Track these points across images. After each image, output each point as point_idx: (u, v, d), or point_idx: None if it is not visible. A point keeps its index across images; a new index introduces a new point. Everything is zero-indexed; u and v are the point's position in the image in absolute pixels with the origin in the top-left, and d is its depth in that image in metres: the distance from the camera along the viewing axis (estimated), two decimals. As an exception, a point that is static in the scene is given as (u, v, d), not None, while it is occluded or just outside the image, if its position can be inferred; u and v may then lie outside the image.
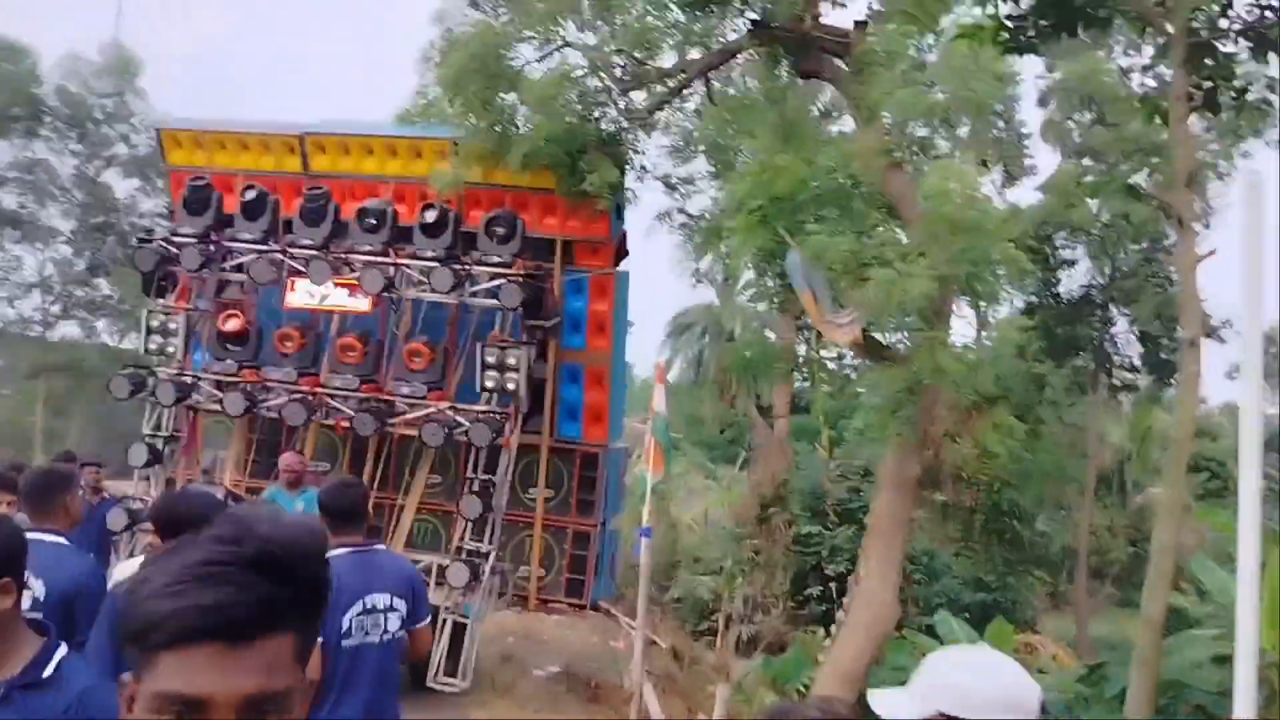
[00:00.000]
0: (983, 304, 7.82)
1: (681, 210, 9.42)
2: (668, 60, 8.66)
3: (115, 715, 1.60)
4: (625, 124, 9.06)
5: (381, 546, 4.08)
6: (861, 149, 7.24)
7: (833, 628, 8.83)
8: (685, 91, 9.09)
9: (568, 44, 8.63)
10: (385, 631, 3.70)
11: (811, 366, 15.72)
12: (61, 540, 3.44)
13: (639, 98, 9.08)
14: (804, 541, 15.52)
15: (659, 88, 8.90)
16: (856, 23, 7.81)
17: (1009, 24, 7.06)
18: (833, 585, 13.85)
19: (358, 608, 3.62)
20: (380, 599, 3.69)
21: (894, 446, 7.83)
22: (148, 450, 8.55)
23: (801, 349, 14.12)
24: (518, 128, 8.57)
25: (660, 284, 26.28)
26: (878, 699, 1.89)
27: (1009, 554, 15.13)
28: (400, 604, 3.74)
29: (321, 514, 3.90)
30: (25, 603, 3.33)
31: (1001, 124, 15.25)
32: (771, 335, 16.87)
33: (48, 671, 2.09)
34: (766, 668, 11.14)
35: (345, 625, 3.56)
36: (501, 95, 8.53)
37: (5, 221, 20.42)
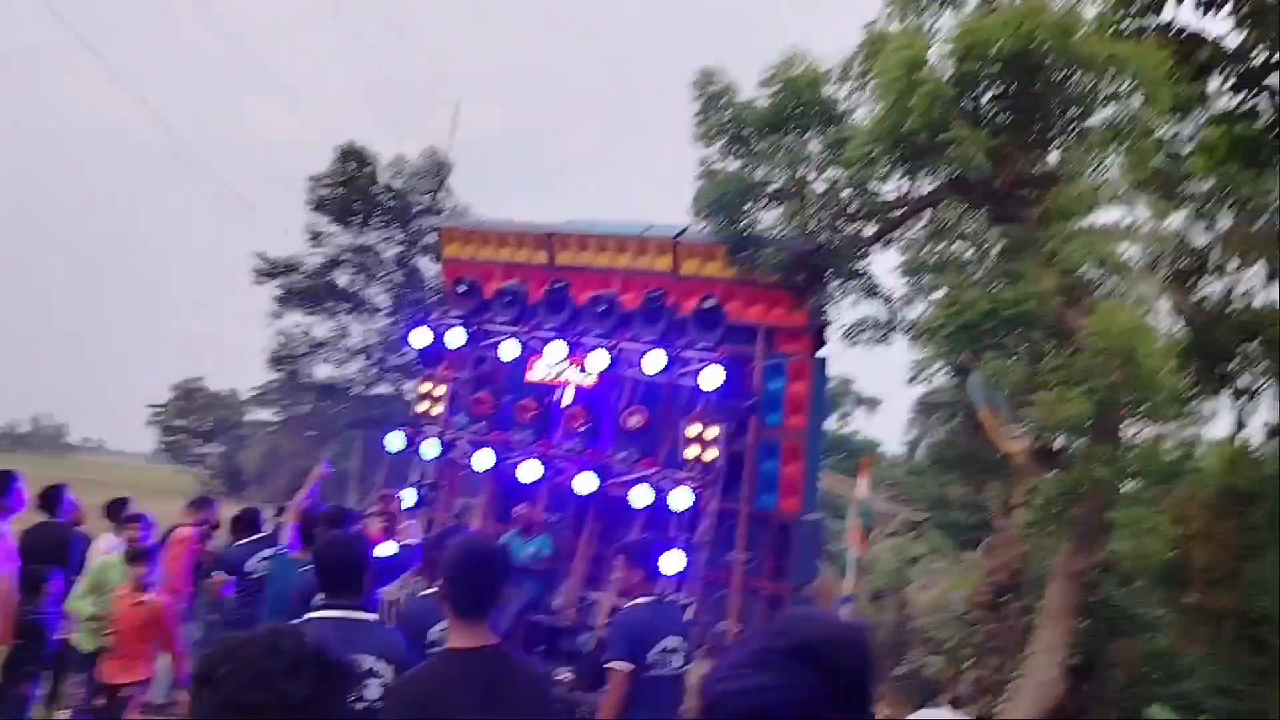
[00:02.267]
0: (1147, 419, 8.27)
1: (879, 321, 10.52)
2: (891, 195, 9.77)
3: None
4: (850, 247, 10.15)
5: (672, 598, 5.35)
6: (1040, 289, 8.11)
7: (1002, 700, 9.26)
8: (904, 224, 10.10)
9: (805, 183, 9.81)
10: (672, 667, 4.90)
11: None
12: None
13: (866, 226, 10.19)
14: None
15: (880, 221, 9.96)
16: (1043, 175, 8.59)
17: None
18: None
19: (658, 647, 4.81)
20: (671, 641, 4.88)
21: (1065, 541, 8.41)
22: (415, 495, 10.44)
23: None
24: (757, 244, 9.78)
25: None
26: None
27: (1262, 663, 14.10)
28: (684, 646, 4.96)
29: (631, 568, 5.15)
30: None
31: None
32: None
33: None
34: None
35: (648, 659, 4.76)
36: (745, 215, 9.82)
37: (340, 297, 24.42)
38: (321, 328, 24.75)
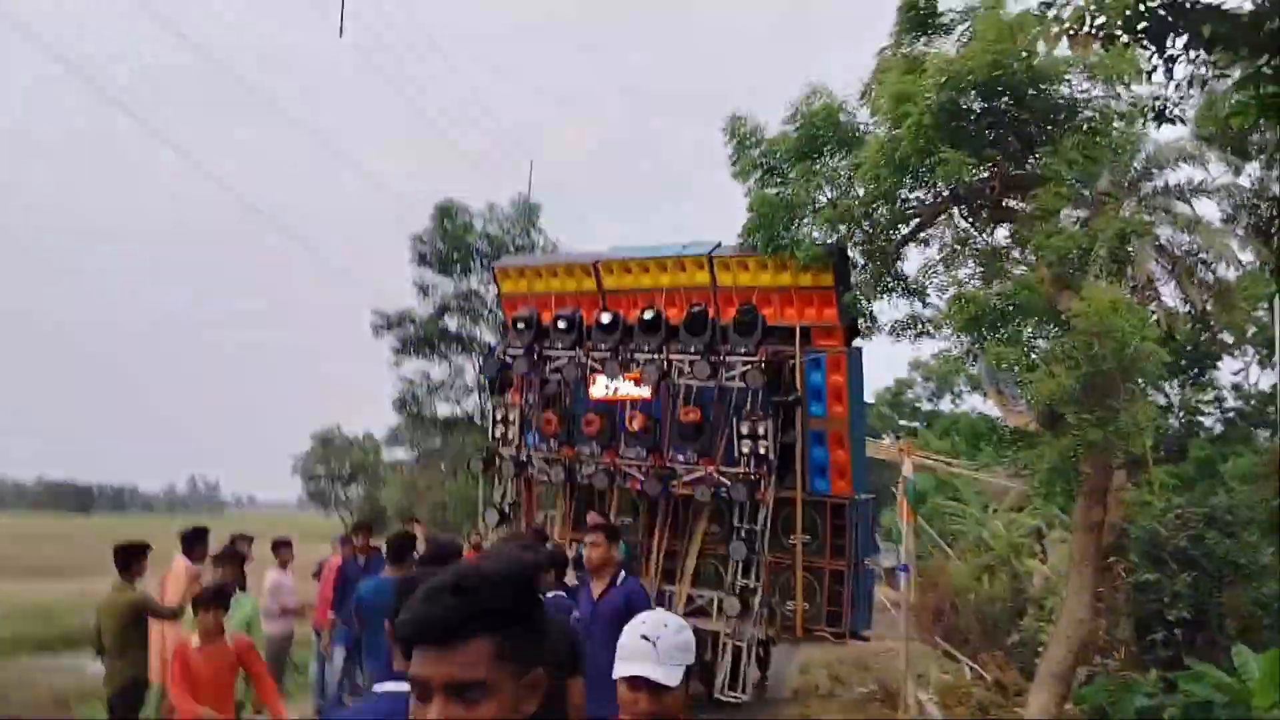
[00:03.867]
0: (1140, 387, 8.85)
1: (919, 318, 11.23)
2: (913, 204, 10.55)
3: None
4: (880, 251, 10.90)
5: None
6: (1031, 280, 9.02)
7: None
8: (921, 230, 10.83)
9: (835, 201, 10.56)
10: None
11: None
12: None
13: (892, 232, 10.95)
14: (1144, 588, 15.37)
15: (903, 227, 10.74)
16: (1029, 178, 9.31)
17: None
18: (1177, 631, 13.82)
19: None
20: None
21: (1080, 497, 9.06)
22: (497, 513, 11.62)
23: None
24: (795, 251, 10.55)
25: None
26: (644, 670, 2.22)
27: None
28: None
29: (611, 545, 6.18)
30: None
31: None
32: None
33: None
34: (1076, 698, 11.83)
35: None
36: (785, 231, 10.64)
37: (451, 339, 26.11)
38: (438, 369, 26.57)
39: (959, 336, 9.61)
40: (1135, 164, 12.30)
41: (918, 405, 33.66)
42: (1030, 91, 8.89)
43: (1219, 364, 17.08)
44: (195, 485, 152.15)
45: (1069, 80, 9.00)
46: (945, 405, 33.21)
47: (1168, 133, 13.39)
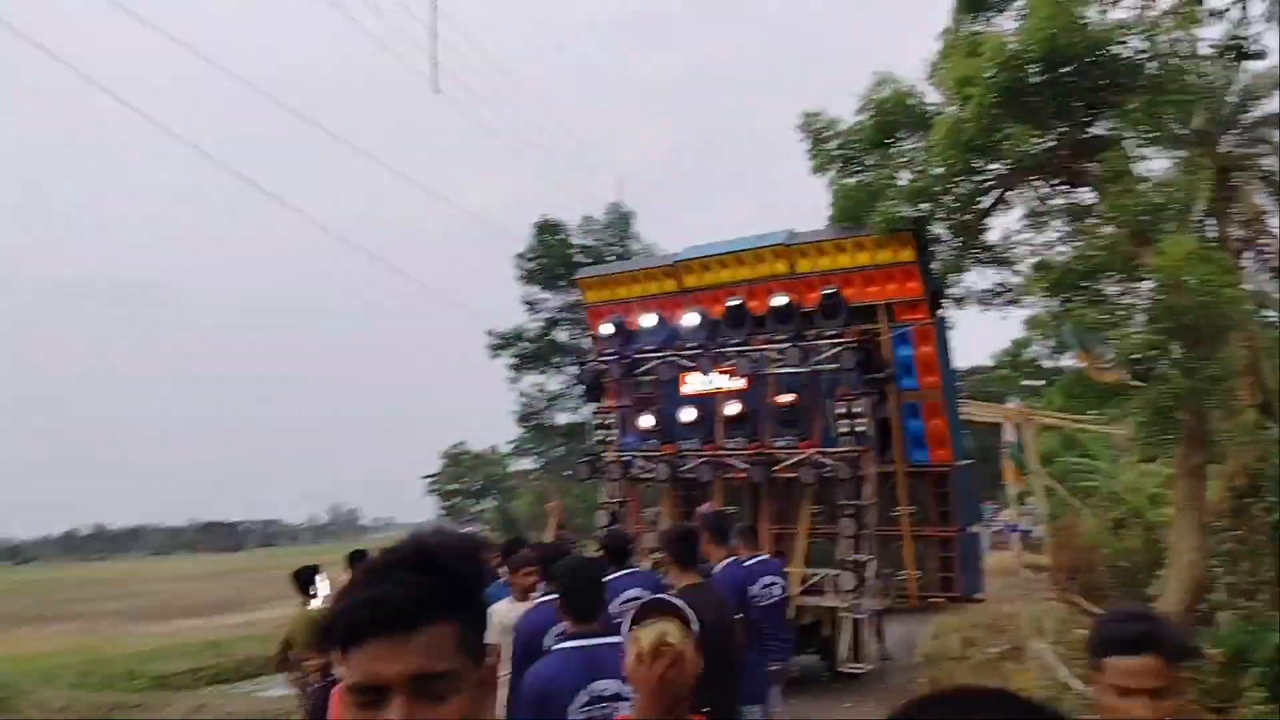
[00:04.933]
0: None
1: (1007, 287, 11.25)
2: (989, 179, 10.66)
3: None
4: (962, 224, 11.02)
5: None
6: (1112, 239, 9.09)
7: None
8: (1000, 201, 10.89)
9: (912, 183, 10.72)
10: (774, 595, 6.26)
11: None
12: None
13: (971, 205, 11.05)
14: (1284, 526, 14.91)
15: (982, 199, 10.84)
16: (1097, 140, 9.29)
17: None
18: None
19: (759, 584, 6.19)
20: (768, 578, 6.29)
21: (1179, 443, 9.01)
22: (609, 515, 12.10)
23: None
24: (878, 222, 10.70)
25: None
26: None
27: None
28: (780, 580, 6.46)
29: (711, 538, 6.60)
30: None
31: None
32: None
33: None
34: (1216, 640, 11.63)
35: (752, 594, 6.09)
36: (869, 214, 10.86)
37: (563, 351, 26.99)
38: (554, 381, 27.50)
39: (1045, 301, 9.73)
40: (1229, 98, 12.01)
41: (1038, 364, 32.86)
42: (1089, 59, 8.88)
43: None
44: (336, 514, 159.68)
45: (1126, 42, 8.95)
46: (1066, 361, 32.38)
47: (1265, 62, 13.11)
